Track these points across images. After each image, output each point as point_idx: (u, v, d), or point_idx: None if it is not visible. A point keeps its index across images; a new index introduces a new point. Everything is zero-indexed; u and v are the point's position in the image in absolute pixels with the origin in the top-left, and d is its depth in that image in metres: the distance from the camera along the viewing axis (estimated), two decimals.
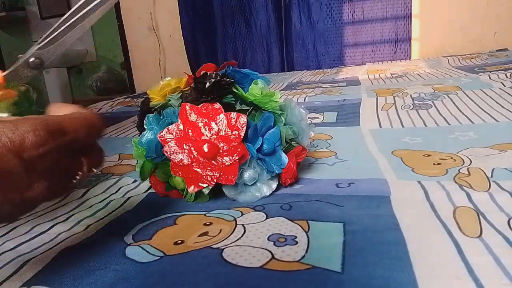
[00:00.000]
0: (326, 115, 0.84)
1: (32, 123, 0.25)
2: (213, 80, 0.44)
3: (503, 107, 0.74)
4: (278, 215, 0.38)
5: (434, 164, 0.49)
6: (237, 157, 0.41)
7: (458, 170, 0.46)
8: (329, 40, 1.95)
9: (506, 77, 0.99)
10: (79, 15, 0.50)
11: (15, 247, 0.37)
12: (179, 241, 0.34)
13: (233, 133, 0.42)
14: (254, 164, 0.43)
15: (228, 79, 0.45)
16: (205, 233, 0.36)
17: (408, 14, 1.81)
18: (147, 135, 0.46)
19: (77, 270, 0.31)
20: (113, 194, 0.49)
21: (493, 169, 0.45)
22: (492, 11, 1.72)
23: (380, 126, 0.72)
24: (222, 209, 0.41)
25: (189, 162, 0.42)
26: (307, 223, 0.36)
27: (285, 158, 0.45)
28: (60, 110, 0.29)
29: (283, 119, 0.47)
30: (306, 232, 0.34)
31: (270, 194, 0.44)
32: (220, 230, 0.36)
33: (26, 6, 3.27)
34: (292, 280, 0.28)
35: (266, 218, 0.38)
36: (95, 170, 0.29)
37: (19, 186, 0.24)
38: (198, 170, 0.41)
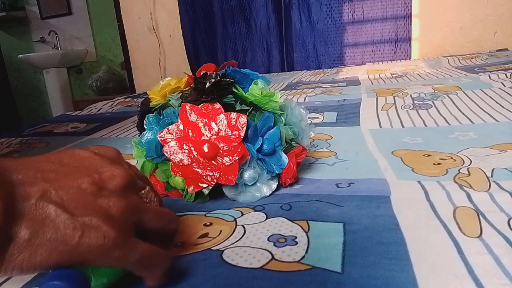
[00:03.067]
0: (326, 115, 0.84)
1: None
2: (213, 80, 0.44)
3: (503, 107, 0.74)
4: (278, 215, 0.38)
5: (434, 164, 0.49)
6: (237, 157, 0.41)
7: (458, 170, 0.46)
8: (329, 40, 1.95)
9: (506, 77, 0.99)
10: None
11: None
12: (179, 243, 0.34)
13: (233, 133, 0.42)
14: (254, 164, 0.43)
15: (228, 79, 0.45)
16: (205, 235, 0.36)
17: (408, 14, 1.81)
18: (147, 135, 0.46)
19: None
20: None
21: (493, 169, 0.45)
22: (492, 11, 1.72)
23: (380, 126, 0.72)
24: (222, 209, 0.41)
25: (189, 162, 0.42)
26: (307, 223, 0.36)
27: (285, 158, 0.45)
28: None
29: (283, 119, 0.47)
30: (306, 232, 0.34)
31: (270, 194, 0.44)
32: (220, 231, 0.36)
33: (26, 6, 3.26)
34: (292, 280, 0.28)
35: (266, 218, 0.38)
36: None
37: None
38: (198, 170, 0.41)
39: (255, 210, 0.40)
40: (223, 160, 0.41)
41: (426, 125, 0.69)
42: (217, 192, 0.43)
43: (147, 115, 0.47)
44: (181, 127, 0.43)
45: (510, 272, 0.26)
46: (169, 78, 0.50)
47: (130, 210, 0.26)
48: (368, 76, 1.36)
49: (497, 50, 1.62)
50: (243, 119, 0.42)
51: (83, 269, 0.24)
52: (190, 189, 0.41)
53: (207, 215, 0.40)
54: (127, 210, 0.26)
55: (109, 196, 0.25)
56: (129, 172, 0.28)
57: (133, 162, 0.62)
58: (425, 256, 0.29)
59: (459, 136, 0.60)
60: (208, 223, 0.38)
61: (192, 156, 0.42)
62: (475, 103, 0.79)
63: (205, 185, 0.41)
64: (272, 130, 0.45)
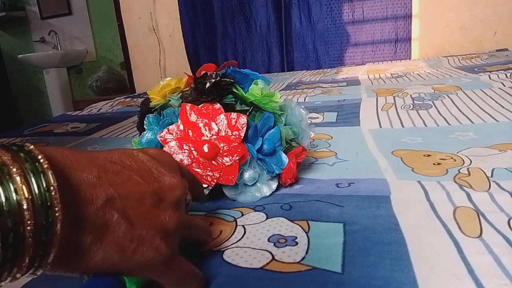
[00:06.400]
0: (326, 115, 0.84)
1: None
2: (213, 80, 0.44)
3: (503, 107, 0.74)
4: (278, 215, 0.38)
5: (434, 164, 0.49)
6: (237, 158, 0.41)
7: (458, 170, 0.46)
8: (329, 40, 1.95)
9: (506, 77, 0.99)
10: None
11: None
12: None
13: (233, 133, 0.42)
14: (254, 164, 0.43)
15: (228, 79, 0.45)
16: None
17: (408, 14, 1.81)
18: (147, 135, 0.46)
19: None
20: None
21: (493, 169, 0.45)
22: (492, 11, 1.72)
23: (380, 126, 0.72)
24: (222, 209, 0.41)
25: (189, 163, 0.42)
26: (307, 223, 0.36)
27: (285, 158, 0.45)
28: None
29: (283, 119, 0.47)
30: (306, 233, 0.34)
31: (270, 194, 0.44)
32: (221, 231, 0.36)
33: (26, 6, 3.26)
34: (292, 281, 0.28)
35: (266, 218, 0.38)
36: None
37: None
38: (198, 170, 0.41)
39: (255, 210, 0.40)
40: (223, 160, 0.41)
41: (426, 125, 0.69)
42: (217, 192, 0.43)
43: (147, 115, 0.47)
44: (181, 127, 0.43)
45: (510, 272, 0.26)
46: (169, 78, 0.51)
47: (181, 225, 0.26)
48: (368, 76, 1.36)
49: (497, 50, 1.62)
50: (243, 119, 0.42)
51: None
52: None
53: (207, 215, 0.40)
54: (180, 225, 0.26)
55: (166, 209, 0.25)
56: (185, 183, 0.28)
57: None
58: (425, 256, 0.29)
59: (459, 136, 0.60)
60: (208, 223, 0.38)
61: (192, 156, 0.42)
62: (475, 103, 0.79)
63: (205, 186, 0.41)
64: (272, 130, 0.45)
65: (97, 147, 0.79)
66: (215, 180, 0.41)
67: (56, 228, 0.19)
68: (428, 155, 0.53)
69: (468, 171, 0.45)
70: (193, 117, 0.43)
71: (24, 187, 0.18)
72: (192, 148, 0.42)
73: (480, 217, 0.34)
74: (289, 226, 0.36)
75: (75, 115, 1.27)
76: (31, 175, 0.18)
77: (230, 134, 0.42)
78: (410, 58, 1.84)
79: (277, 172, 0.44)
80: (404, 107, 0.83)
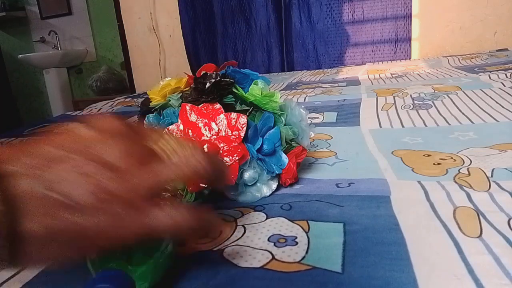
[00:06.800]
0: (326, 115, 0.84)
1: None
2: (213, 80, 0.44)
3: (503, 107, 0.74)
4: (278, 215, 0.38)
5: (434, 164, 0.49)
6: (237, 158, 0.41)
7: (458, 170, 0.46)
8: (329, 40, 1.95)
9: (506, 77, 0.99)
10: None
11: None
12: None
13: (233, 133, 0.42)
14: (254, 164, 0.43)
15: (228, 80, 0.45)
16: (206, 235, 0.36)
17: (408, 14, 1.81)
18: None
19: (78, 271, 0.31)
20: None
21: (493, 169, 0.45)
22: (492, 11, 1.72)
23: (380, 126, 0.72)
24: (222, 209, 0.41)
25: None
26: (307, 223, 0.36)
27: (285, 158, 0.45)
28: None
29: (283, 119, 0.47)
30: (306, 233, 0.34)
31: (270, 194, 0.44)
32: (221, 232, 0.36)
33: (26, 6, 3.26)
34: (292, 280, 0.28)
35: (266, 218, 0.38)
36: None
37: None
38: None
39: (255, 210, 0.40)
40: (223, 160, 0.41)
41: (426, 125, 0.69)
42: (217, 192, 0.43)
43: (147, 115, 0.47)
44: (181, 127, 0.43)
45: (510, 272, 0.26)
46: (169, 78, 0.51)
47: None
48: (368, 76, 1.36)
49: (497, 50, 1.61)
50: (243, 119, 0.42)
51: (127, 270, 0.24)
52: (190, 189, 0.41)
53: None
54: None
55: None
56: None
57: None
58: (425, 256, 0.29)
59: (459, 136, 0.60)
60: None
61: None
62: (475, 103, 0.79)
63: (205, 186, 0.41)
64: (272, 130, 0.45)
65: None
66: None
67: None
68: (428, 155, 0.53)
69: (468, 171, 0.45)
70: (193, 117, 0.43)
71: None
72: None
73: (480, 217, 0.34)
74: (289, 226, 0.36)
75: (75, 115, 1.27)
76: None
77: (230, 134, 0.42)
78: (410, 58, 1.84)
79: (277, 172, 0.44)
80: (404, 107, 0.83)
